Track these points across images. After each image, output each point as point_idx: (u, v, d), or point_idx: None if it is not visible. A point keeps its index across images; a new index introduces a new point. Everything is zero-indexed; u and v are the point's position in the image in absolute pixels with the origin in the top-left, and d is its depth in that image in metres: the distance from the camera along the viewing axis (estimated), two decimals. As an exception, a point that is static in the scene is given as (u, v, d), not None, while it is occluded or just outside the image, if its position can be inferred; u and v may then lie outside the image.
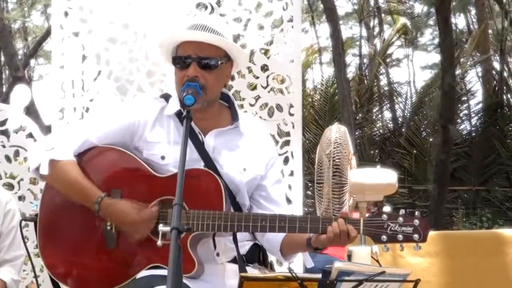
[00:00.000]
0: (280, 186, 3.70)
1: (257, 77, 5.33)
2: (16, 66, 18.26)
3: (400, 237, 3.23)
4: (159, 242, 2.73)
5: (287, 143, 5.28)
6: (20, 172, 5.26)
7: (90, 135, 3.52)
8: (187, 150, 3.34)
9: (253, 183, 3.57)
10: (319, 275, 2.83)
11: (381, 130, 22.65)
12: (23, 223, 3.83)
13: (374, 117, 22.65)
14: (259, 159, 3.59)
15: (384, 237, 3.24)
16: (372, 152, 21.40)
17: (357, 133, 20.17)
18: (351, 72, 23.09)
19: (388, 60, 24.02)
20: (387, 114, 23.38)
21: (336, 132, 4.84)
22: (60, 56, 5.28)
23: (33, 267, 3.63)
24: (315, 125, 20.00)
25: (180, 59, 3.45)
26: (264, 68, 5.34)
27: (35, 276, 3.67)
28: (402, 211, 3.26)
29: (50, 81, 5.40)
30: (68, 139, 3.54)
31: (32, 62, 30.16)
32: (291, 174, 5.26)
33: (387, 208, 3.31)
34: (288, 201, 5.18)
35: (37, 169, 3.49)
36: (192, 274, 3.28)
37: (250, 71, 5.34)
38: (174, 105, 3.50)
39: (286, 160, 5.28)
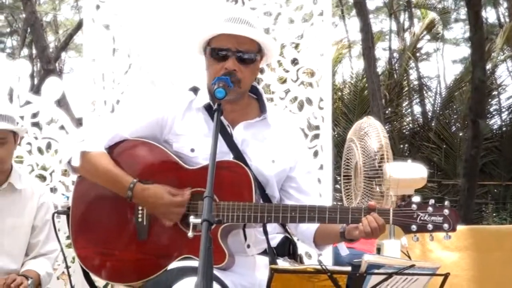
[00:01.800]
0: (311, 177, 3.72)
1: (287, 71, 5.35)
2: (48, 59, 18.41)
3: (430, 226, 3.23)
4: (190, 234, 2.76)
5: (316, 136, 5.29)
6: (52, 164, 5.32)
7: (120, 129, 3.55)
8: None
9: (282, 175, 3.58)
10: (348, 268, 2.85)
11: (410, 125, 22.53)
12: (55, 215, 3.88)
13: (403, 111, 22.54)
14: (288, 150, 3.61)
15: (414, 227, 3.24)
16: (401, 146, 21.31)
17: (386, 128, 20.08)
18: (380, 66, 22.98)
19: (417, 54, 23.88)
20: (417, 109, 23.26)
21: (367, 124, 4.84)
22: (91, 49, 5.33)
23: (65, 258, 3.68)
24: (345, 119, 19.94)
25: (218, 52, 3.46)
26: (294, 61, 5.36)
27: (67, 267, 3.71)
28: (431, 201, 3.26)
29: (81, 74, 5.45)
30: (99, 133, 3.59)
31: (63, 55, 30.34)
32: (321, 167, 5.27)
33: (416, 198, 3.32)
34: (318, 195, 5.21)
35: (69, 162, 3.54)
36: (222, 266, 3.30)
37: (280, 64, 5.36)
38: (203, 98, 3.52)
39: (315, 154, 5.30)
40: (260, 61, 3.57)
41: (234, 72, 3.40)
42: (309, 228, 3.54)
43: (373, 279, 2.86)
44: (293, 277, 2.84)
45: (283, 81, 5.39)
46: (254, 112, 3.61)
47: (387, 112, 20.69)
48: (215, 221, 2.67)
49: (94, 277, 3.58)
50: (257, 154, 3.52)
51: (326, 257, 4.79)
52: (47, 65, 18.02)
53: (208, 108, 3.51)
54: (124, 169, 3.48)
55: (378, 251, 4.74)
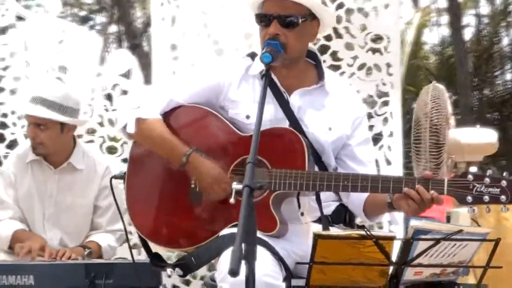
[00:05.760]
0: (368, 147, 3.64)
1: (355, 37, 5.27)
2: (133, 34, 18.67)
3: (486, 198, 3.14)
4: (231, 200, 2.75)
5: (386, 103, 5.22)
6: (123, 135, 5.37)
7: (175, 95, 3.55)
8: (272, 109, 3.39)
9: (338, 142, 3.53)
10: (394, 234, 2.80)
11: (500, 92, 21.99)
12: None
13: (492, 78, 22.01)
14: (345, 118, 3.55)
15: (469, 198, 3.15)
16: (490, 115, 20.84)
17: (474, 95, 19.66)
18: (468, 33, 22.49)
19: (509, 19, 23.25)
20: (508, 76, 22.68)
21: (433, 91, 4.74)
22: (160, 21, 5.36)
23: (123, 221, 3.72)
24: (432, 88, 19.59)
25: (263, 17, 3.44)
26: (362, 27, 5.28)
27: (125, 230, 3.76)
28: (489, 171, 3.17)
29: (153, 46, 5.49)
30: (154, 99, 3.59)
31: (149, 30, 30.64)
32: (390, 135, 5.21)
33: (473, 169, 3.23)
34: (388, 162, 5.16)
35: (124, 127, 3.56)
36: (274, 233, 3.27)
37: (347, 31, 5.29)
38: (259, 64, 3.48)
39: (385, 121, 5.23)
40: (314, 26, 3.51)
41: (277, 37, 3.36)
42: (360, 197, 3.48)
43: (421, 245, 2.80)
44: (338, 243, 2.81)
45: (351, 47, 5.31)
46: (312, 78, 3.56)
47: (475, 80, 20.25)
48: (256, 186, 2.64)
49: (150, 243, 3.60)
50: (314, 121, 3.48)
51: (399, 226, 4.72)
52: (133, 40, 18.29)
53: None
54: (179, 135, 3.49)
55: (448, 219, 4.64)
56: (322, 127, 3.48)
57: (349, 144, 3.56)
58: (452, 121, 4.74)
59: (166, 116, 3.55)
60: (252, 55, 3.59)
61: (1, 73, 5.35)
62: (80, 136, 5.06)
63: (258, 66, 3.48)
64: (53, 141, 4.50)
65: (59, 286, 3.79)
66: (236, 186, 2.73)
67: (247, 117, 3.45)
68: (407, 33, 17.76)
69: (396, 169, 5.07)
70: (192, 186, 3.46)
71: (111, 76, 5.32)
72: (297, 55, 3.50)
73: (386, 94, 5.25)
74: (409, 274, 2.91)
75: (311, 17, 3.47)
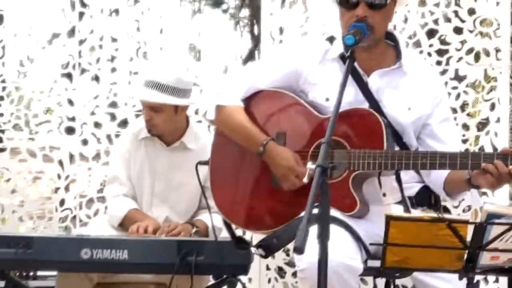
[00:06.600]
0: (449, 125, 3.60)
1: (464, 21, 5.20)
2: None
3: None
4: (305, 179, 2.78)
5: (493, 88, 5.14)
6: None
7: (255, 81, 3.61)
8: (352, 92, 3.41)
9: (418, 122, 3.52)
10: (468, 217, 2.77)
11: None
12: None
13: None
14: (424, 97, 3.53)
15: None
16: None
17: None
18: None
19: None
20: None
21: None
22: (270, 2, 5.43)
23: (207, 203, 3.82)
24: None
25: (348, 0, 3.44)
26: (471, 11, 5.20)
27: (210, 212, 3.85)
28: None
29: (263, 28, 5.57)
30: (234, 85, 3.65)
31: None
32: (497, 121, 5.14)
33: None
34: (494, 149, 5.06)
35: (205, 114, 3.64)
36: (354, 213, 3.30)
37: (456, 14, 5.22)
38: (338, 48, 3.50)
39: (492, 106, 5.15)
40: (393, 6, 3.51)
41: (366, 19, 3.36)
42: (440, 175, 3.45)
43: (495, 229, 2.76)
44: (411, 225, 2.79)
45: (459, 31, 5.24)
46: (390, 59, 3.55)
47: None
48: (329, 166, 2.67)
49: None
50: (393, 102, 3.47)
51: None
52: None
53: (343, 58, 3.48)
54: (259, 120, 3.55)
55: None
56: (401, 108, 3.48)
57: (429, 124, 3.54)
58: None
59: (248, 101, 3.61)
60: (331, 39, 3.61)
61: (114, 54, 5.54)
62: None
63: (337, 49, 3.51)
64: (167, 123, 4.58)
65: (152, 262, 3.88)
66: (310, 166, 2.77)
67: (327, 99, 3.47)
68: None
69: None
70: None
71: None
72: (381, 36, 3.51)
73: (494, 79, 5.17)
74: (486, 259, 2.86)
75: None
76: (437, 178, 3.49)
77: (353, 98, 3.40)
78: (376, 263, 3.08)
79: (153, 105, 4.53)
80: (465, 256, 2.86)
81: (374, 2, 3.40)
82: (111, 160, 4.98)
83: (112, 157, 4.99)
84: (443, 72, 5.17)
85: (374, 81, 3.50)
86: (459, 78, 5.23)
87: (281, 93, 3.57)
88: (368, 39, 3.36)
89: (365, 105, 3.45)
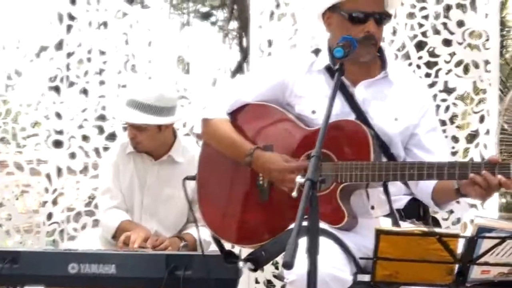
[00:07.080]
0: (435, 134, 3.60)
1: (453, 33, 5.20)
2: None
3: None
4: (294, 193, 2.76)
5: (483, 100, 5.14)
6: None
7: (241, 94, 3.62)
8: (338, 103, 3.39)
9: (406, 133, 3.52)
10: (458, 231, 2.76)
11: None
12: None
13: None
14: (411, 107, 3.53)
15: None
16: None
17: None
18: None
19: None
20: None
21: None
22: (258, 15, 5.42)
23: (194, 216, 3.81)
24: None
25: (357, 14, 3.43)
26: (460, 23, 5.21)
27: (196, 226, 3.84)
28: None
29: (252, 41, 5.56)
30: (220, 99, 3.68)
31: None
32: (487, 133, 5.14)
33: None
34: (482, 159, 5.05)
35: (192, 128, 3.66)
36: (342, 226, 3.29)
37: (445, 27, 5.22)
38: (324, 60, 3.51)
39: (481, 119, 5.16)
40: None
41: (374, 34, 3.41)
42: (428, 186, 3.45)
43: (486, 243, 2.74)
44: (401, 239, 2.78)
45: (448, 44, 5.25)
46: (376, 69, 3.56)
47: None
48: (318, 180, 2.65)
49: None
50: (379, 112, 3.47)
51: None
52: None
53: (329, 70, 3.49)
54: (246, 133, 3.55)
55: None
56: (388, 118, 3.48)
57: (416, 134, 3.54)
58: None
59: (234, 115, 3.62)
60: (316, 51, 3.62)
61: (102, 67, 5.51)
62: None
63: (323, 61, 3.52)
64: (151, 140, 4.56)
65: (140, 276, 3.85)
66: (299, 180, 2.75)
67: (313, 112, 3.48)
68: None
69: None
70: (260, 182, 3.52)
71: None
72: None
73: (483, 92, 5.17)
74: (476, 273, 2.85)
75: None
76: (425, 187, 3.47)
77: (339, 110, 3.39)
78: (366, 277, 3.07)
79: (135, 125, 4.51)
80: (456, 270, 2.85)
81: (383, 19, 3.44)
82: (101, 172, 4.97)
83: (102, 169, 4.98)
84: (432, 84, 5.17)
85: (360, 92, 3.49)
86: (448, 90, 5.23)
87: (268, 106, 3.57)
88: (371, 54, 3.42)
89: (352, 117, 3.44)
